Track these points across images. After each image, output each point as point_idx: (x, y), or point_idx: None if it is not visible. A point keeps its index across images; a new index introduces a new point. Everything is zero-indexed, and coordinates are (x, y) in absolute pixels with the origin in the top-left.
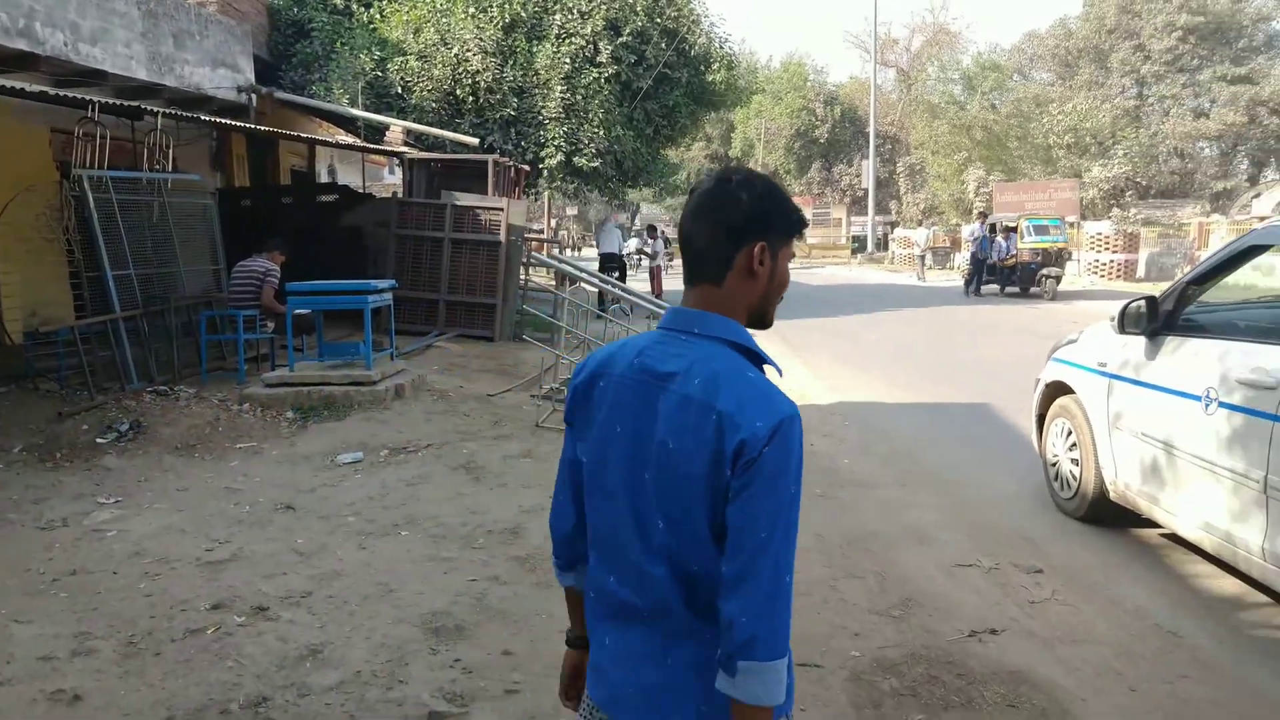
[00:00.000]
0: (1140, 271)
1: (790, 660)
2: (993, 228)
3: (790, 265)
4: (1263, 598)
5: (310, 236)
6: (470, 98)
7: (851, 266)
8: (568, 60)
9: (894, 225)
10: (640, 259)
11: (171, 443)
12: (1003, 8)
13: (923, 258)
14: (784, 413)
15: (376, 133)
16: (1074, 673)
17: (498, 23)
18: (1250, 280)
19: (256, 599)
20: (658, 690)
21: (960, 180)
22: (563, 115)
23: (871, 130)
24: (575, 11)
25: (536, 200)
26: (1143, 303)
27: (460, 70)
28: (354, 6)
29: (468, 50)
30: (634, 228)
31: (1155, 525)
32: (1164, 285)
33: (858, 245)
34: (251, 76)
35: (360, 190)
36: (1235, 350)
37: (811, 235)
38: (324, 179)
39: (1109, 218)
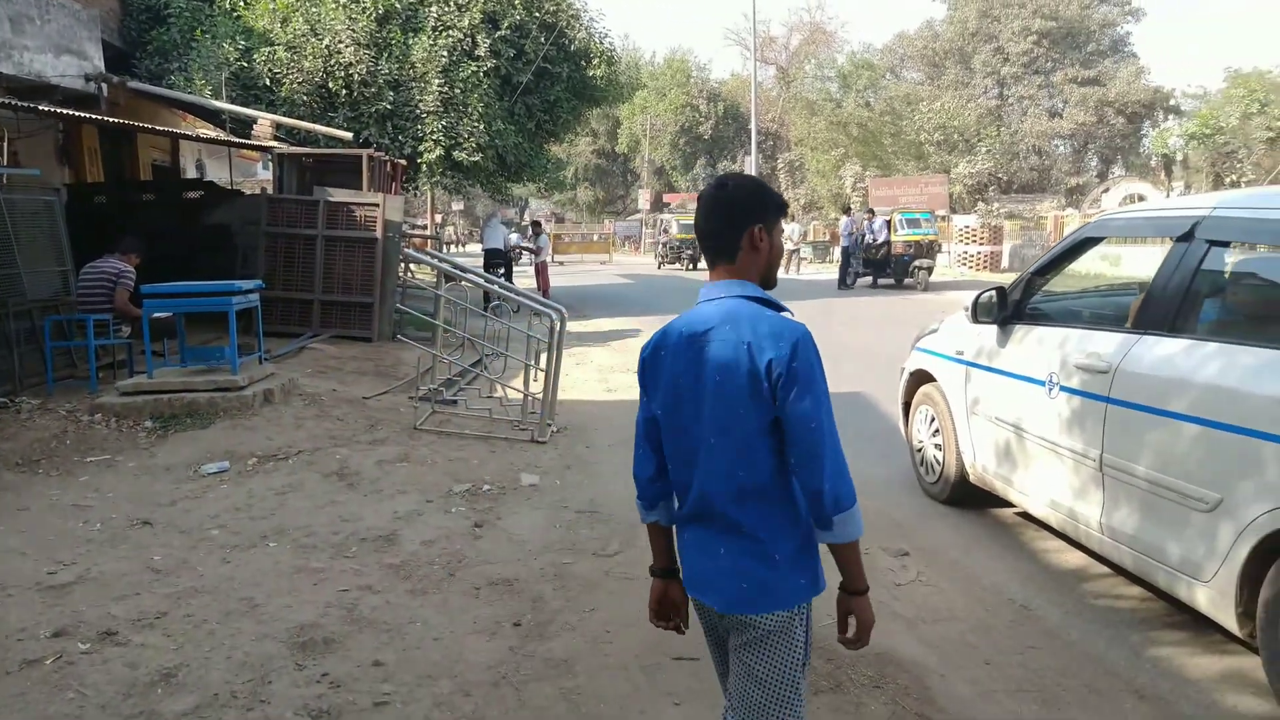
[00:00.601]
0: (1005, 262)
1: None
2: (872, 212)
3: (677, 264)
4: (1104, 569)
5: (174, 236)
6: (344, 91)
7: None
8: (445, 53)
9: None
10: (521, 254)
11: (11, 459)
12: (875, 8)
13: (795, 252)
14: (798, 333)
15: (244, 126)
16: (935, 649)
17: (371, 14)
18: (1100, 269)
19: (104, 623)
20: (712, 573)
21: (838, 176)
22: (441, 109)
23: (753, 127)
24: (452, 4)
25: (416, 196)
26: (993, 293)
27: (332, 62)
28: None
29: (340, 42)
30: (522, 222)
31: (1011, 505)
32: None
33: None
34: (101, 64)
35: (228, 187)
36: (1074, 336)
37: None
38: (191, 174)
39: (975, 211)
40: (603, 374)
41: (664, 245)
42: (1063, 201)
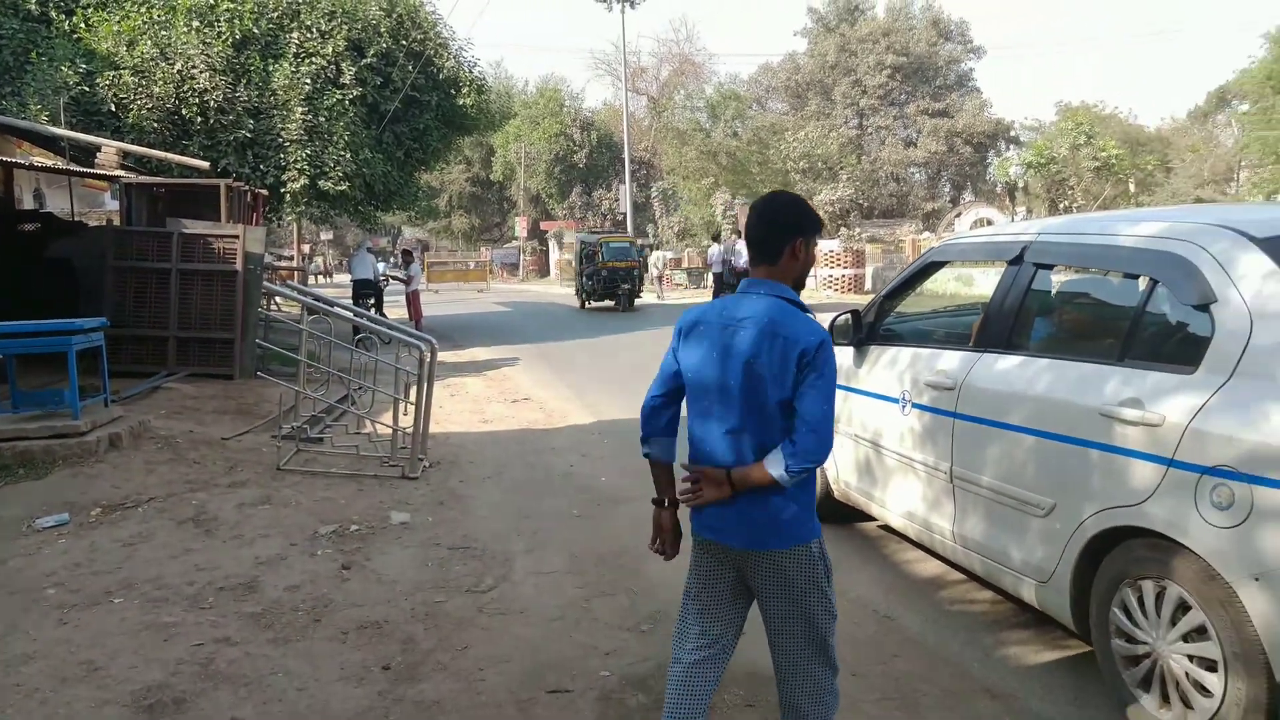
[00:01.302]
0: (868, 285)
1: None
2: (738, 234)
3: (561, 289)
4: (959, 576)
5: (7, 271)
6: (199, 118)
7: None
8: (308, 80)
9: (653, 248)
10: (388, 283)
11: None
12: (740, 41)
13: (660, 279)
14: (824, 334)
15: (87, 154)
16: None
17: (227, 39)
18: (955, 290)
19: None
20: (725, 512)
21: (709, 203)
22: (305, 137)
23: (626, 156)
24: (314, 30)
25: (281, 226)
26: (849, 316)
27: (185, 88)
28: (53, 14)
29: (193, 67)
30: (394, 252)
31: (873, 519)
32: None
33: None
34: None
35: (70, 219)
36: (923, 356)
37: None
38: (29, 205)
39: (839, 236)
40: (478, 405)
41: (588, 277)
42: (920, 226)
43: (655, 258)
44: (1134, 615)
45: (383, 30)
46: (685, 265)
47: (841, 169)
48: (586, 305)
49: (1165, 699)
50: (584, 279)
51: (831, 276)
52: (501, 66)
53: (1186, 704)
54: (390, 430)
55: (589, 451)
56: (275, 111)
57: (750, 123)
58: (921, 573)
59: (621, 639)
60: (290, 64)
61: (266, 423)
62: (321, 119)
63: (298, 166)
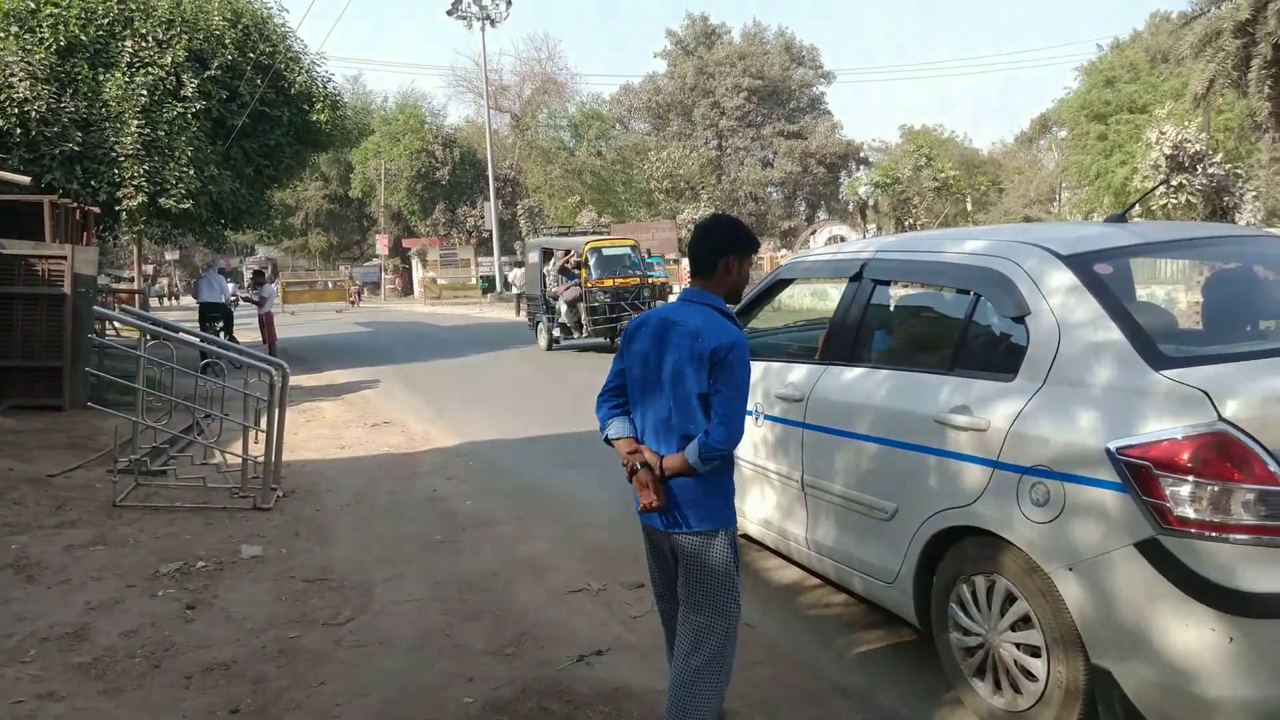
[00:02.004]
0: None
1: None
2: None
3: (425, 308)
4: (816, 581)
5: None
6: (19, 129)
7: (482, 307)
8: (145, 92)
9: (520, 265)
10: (237, 304)
11: None
12: (603, 61)
13: (519, 297)
14: (736, 336)
15: None
16: (666, 678)
17: (50, 45)
18: (812, 305)
19: None
20: (673, 498)
21: (575, 221)
22: (143, 152)
23: (490, 173)
24: (150, 39)
25: (116, 246)
26: None
27: (4, 98)
28: None
29: (11, 75)
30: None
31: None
32: None
33: (487, 285)
34: None
35: None
36: (774, 369)
37: (441, 276)
38: None
39: None
40: (335, 430)
41: (568, 304)
42: (779, 243)
43: (513, 275)
44: (969, 609)
45: (227, 41)
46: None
47: (703, 188)
48: (558, 344)
49: (998, 685)
50: (552, 307)
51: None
52: (359, 81)
53: (1016, 689)
54: (240, 460)
55: (453, 475)
56: (107, 124)
57: (614, 142)
58: (780, 580)
59: (485, 664)
60: (123, 74)
61: (101, 456)
62: (161, 133)
63: (135, 183)
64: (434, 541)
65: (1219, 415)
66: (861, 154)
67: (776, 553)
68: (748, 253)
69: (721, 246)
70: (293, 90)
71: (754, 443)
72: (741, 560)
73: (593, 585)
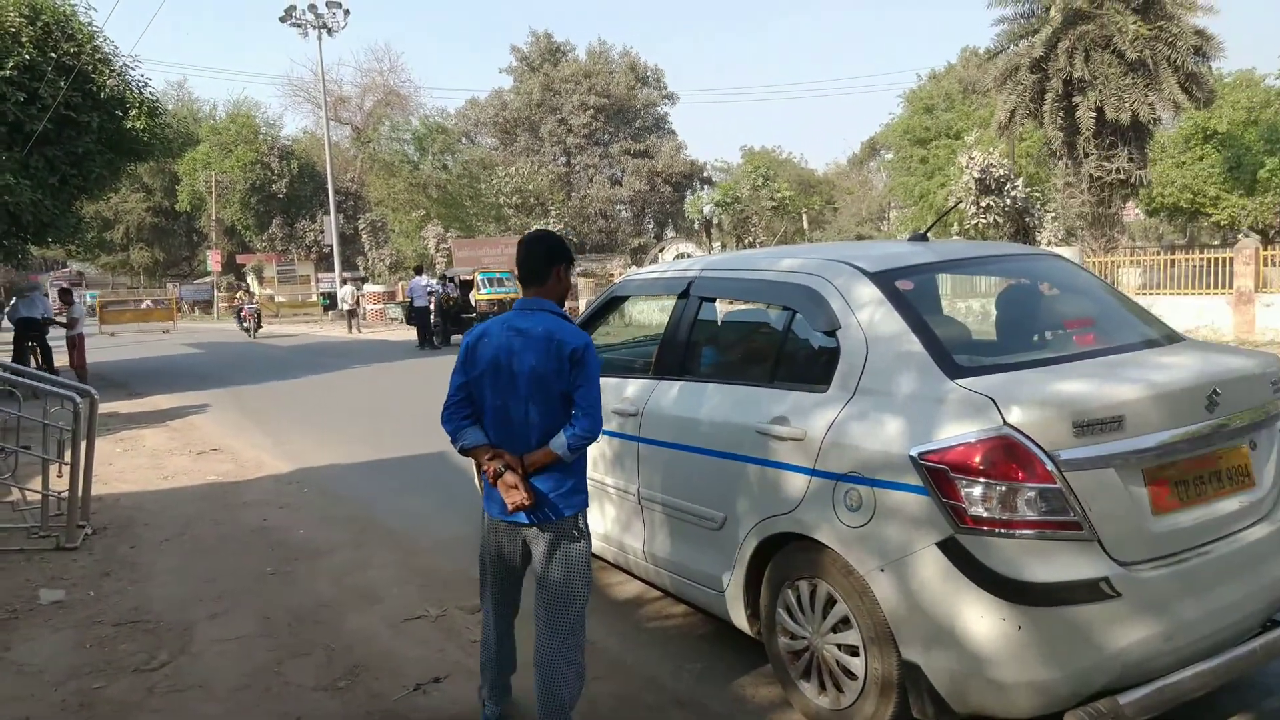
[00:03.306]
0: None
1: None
2: (446, 279)
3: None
4: (656, 594)
5: None
6: None
7: (323, 325)
8: None
9: (364, 281)
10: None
11: None
12: (447, 75)
13: (350, 314)
14: (587, 338)
15: None
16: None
17: None
18: (660, 320)
19: None
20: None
21: (421, 236)
22: None
23: (330, 186)
24: None
25: None
26: None
27: None
28: None
29: None
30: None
31: None
32: None
33: (329, 302)
34: None
35: None
36: (611, 384)
37: (280, 294)
38: None
39: None
40: (157, 459)
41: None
42: (629, 260)
43: (344, 293)
44: (794, 613)
45: (24, 39)
46: (399, 299)
47: (552, 205)
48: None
49: (822, 686)
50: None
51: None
52: (184, 88)
53: (838, 688)
54: (40, 496)
55: (287, 503)
56: None
57: (459, 156)
58: (621, 594)
59: (316, 700)
60: None
61: None
62: None
63: None
64: (263, 574)
65: (1004, 420)
66: (705, 173)
67: (617, 567)
68: (572, 262)
69: (552, 257)
70: (102, 94)
71: (593, 458)
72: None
73: (431, 611)
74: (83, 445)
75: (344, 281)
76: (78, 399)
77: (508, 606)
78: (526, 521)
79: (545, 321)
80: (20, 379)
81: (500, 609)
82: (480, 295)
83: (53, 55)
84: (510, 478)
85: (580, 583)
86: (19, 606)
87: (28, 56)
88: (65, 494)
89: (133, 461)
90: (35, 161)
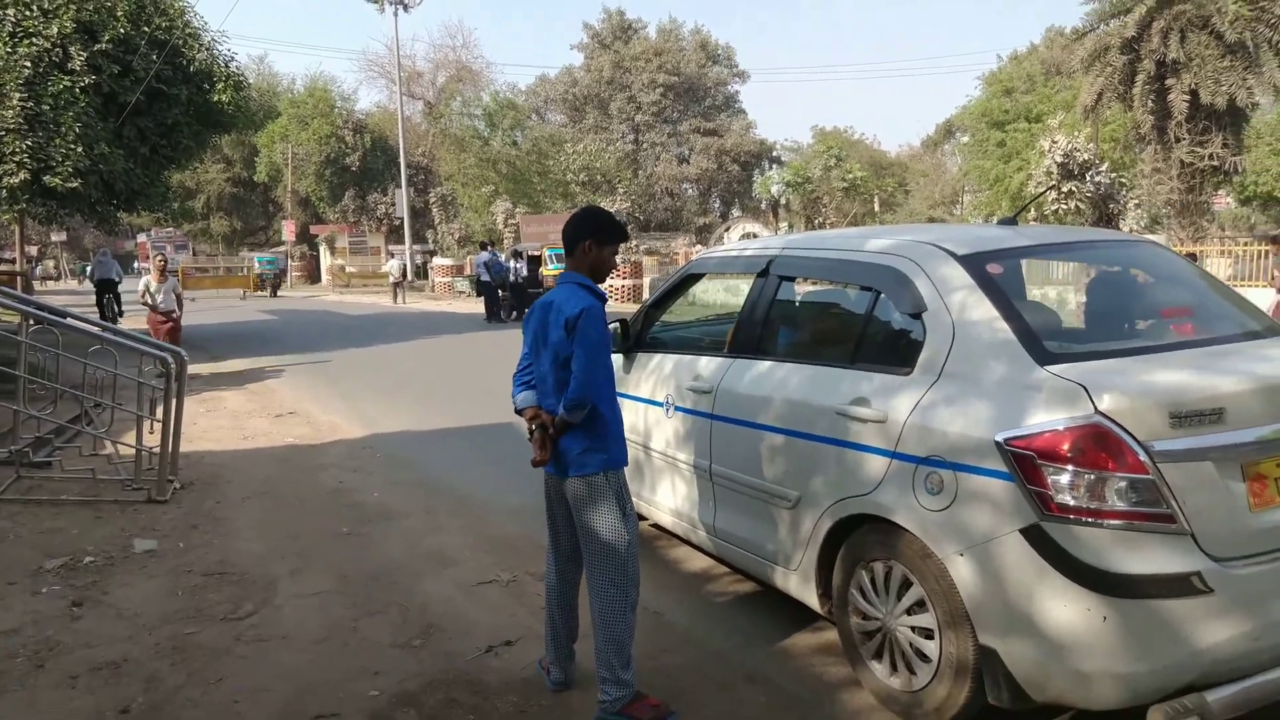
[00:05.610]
0: (645, 295)
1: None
2: (517, 254)
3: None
4: (724, 570)
5: None
6: None
7: (384, 296)
8: (28, 63)
9: (433, 254)
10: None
11: None
12: (519, 51)
13: (397, 285)
14: (584, 304)
15: None
16: (577, 668)
17: None
18: (725, 300)
19: None
20: (560, 451)
21: (490, 211)
22: (25, 126)
23: (402, 160)
24: (35, 8)
25: None
26: (617, 325)
27: None
28: None
29: None
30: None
31: (645, 519)
32: None
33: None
34: None
35: None
36: (685, 362)
37: (351, 264)
38: None
39: None
40: (238, 420)
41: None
42: (694, 239)
43: (390, 265)
44: (868, 594)
45: (119, 14)
46: (467, 273)
47: (619, 182)
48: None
49: (894, 667)
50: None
51: (611, 286)
52: (265, 62)
53: (910, 670)
54: (134, 451)
55: (360, 466)
56: None
57: (529, 133)
58: (690, 568)
59: (392, 657)
60: (4, 43)
61: None
62: (46, 107)
63: (16, 159)
64: (340, 534)
65: (1096, 408)
66: (775, 153)
67: (687, 542)
68: (605, 239)
69: (579, 232)
70: (191, 68)
71: (665, 434)
72: (651, 548)
73: (502, 576)
74: (173, 404)
75: (390, 255)
76: (169, 359)
77: (563, 561)
78: (554, 474)
79: (562, 291)
80: (117, 338)
81: (559, 564)
82: (547, 270)
83: (146, 29)
84: (538, 435)
85: (601, 536)
86: (115, 554)
87: (123, 30)
88: (156, 449)
89: (215, 422)
90: (128, 132)
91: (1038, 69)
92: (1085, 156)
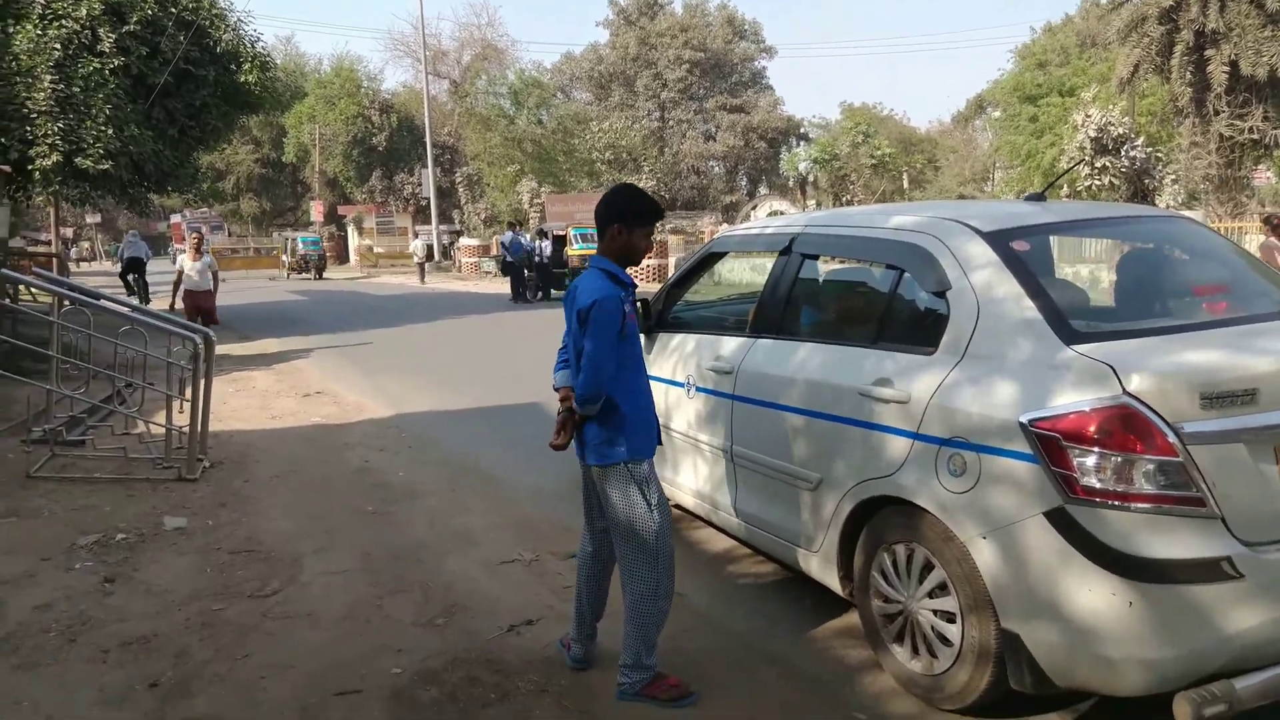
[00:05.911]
0: (670, 273)
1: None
2: (542, 234)
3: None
4: (745, 551)
5: None
6: None
7: (411, 275)
8: (58, 46)
9: (459, 234)
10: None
11: None
12: (544, 28)
13: (421, 265)
14: (596, 296)
15: None
16: (598, 647)
17: None
18: (749, 279)
19: None
20: (581, 439)
21: (515, 191)
22: (56, 109)
23: (428, 140)
24: None
25: (30, 207)
26: (639, 305)
27: None
28: None
29: None
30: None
31: (669, 500)
32: None
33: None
34: None
35: None
36: (706, 342)
37: (378, 245)
38: None
39: None
40: (266, 400)
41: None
42: (720, 217)
43: (414, 246)
44: (889, 577)
45: None
46: (493, 253)
47: (645, 160)
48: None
49: (915, 650)
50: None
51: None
52: (292, 42)
53: (932, 653)
54: (164, 430)
55: (386, 446)
56: (18, 79)
57: (555, 111)
58: (711, 549)
59: (414, 635)
60: (35, 26)
61: (12, 426)
62: (76, 89)
63: (48, 141)
64: (365, 513)
65: (1123, 389)
66: (802, 130)
67: (709, 523)
68: (635, 222)
69: (609, 215)
70: (218, 49)
71: (686, 414)
72: (673, 529)
73: (524, 556)
74: (201, 384)
75: (415, 235)
76: (198, 340)
77: (596, 539)
78: (580, 459)
79: (585, 277)
80: (147, 319)
81: (593, 542)
82: (572, 250)
83: (173, 10)
84: (561, 418)
85: (626, 524)
86: (145, 531)
87: (150, 12)
88: (186, 429)
89: (244, 401)
90: (157, 113)
91: (1072, 41)
92: (1120, 131)
